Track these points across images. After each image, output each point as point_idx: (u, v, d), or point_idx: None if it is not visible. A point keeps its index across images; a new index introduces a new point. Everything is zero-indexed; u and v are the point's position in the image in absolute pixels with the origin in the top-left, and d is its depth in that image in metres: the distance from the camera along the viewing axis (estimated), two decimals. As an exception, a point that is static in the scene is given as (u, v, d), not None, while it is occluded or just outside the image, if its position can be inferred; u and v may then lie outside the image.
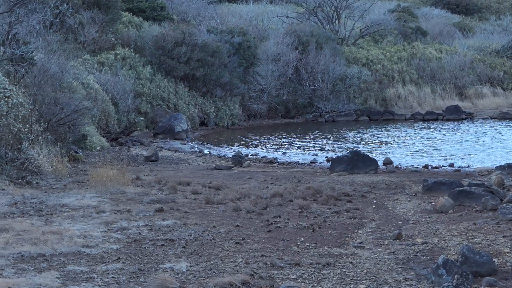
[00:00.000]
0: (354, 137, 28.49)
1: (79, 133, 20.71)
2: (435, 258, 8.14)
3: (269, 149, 24.88)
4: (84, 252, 9.00)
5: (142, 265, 8.40)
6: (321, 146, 25.51)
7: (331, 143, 26.27)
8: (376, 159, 18.68)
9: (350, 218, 11.50)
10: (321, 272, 8.14)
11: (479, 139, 26.61)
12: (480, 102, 39.37)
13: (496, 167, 17.08)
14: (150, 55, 31.54)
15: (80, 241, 9.49)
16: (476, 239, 9.48)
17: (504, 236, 9.54)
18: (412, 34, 48.69)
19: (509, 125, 32.12)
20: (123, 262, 8.52)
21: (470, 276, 7.43)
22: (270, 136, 29.03)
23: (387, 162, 19.81)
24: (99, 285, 7.58)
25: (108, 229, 10.34)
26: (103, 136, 23.93)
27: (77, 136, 20.47)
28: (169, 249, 9.22)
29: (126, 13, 35.10)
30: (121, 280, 7.77)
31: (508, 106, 39.36)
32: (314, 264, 8.46)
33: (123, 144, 24.09)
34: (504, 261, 8.33)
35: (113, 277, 7.89)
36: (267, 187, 14.76)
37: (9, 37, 18.54)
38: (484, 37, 55.33)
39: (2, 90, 15.94)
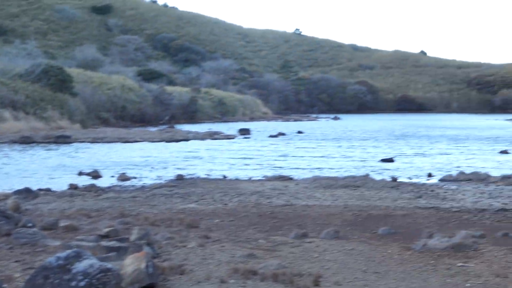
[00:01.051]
0: None
1: None
2: None
3: None
4: None
5: None
6: None
7: None
8: None
9: None
10: None
11: (-2, 163, 26.39)
12: (2, 126, 39.24)
13: (14, 192, 17.15)
14: None
15: None
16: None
17: (16, 261, 9.57)
18: None
19: (29, 149, 32.49)
20: None
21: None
22: None
23: None
24: None
25: None
26: None
27: None
28: None
29: None
30: None
31: (30, 129, 39.96)
32: None
33: None
34: (15, 286, 8.41)
35: None
36: None
37: None
38: (8, 60, 55.52)
39: None
